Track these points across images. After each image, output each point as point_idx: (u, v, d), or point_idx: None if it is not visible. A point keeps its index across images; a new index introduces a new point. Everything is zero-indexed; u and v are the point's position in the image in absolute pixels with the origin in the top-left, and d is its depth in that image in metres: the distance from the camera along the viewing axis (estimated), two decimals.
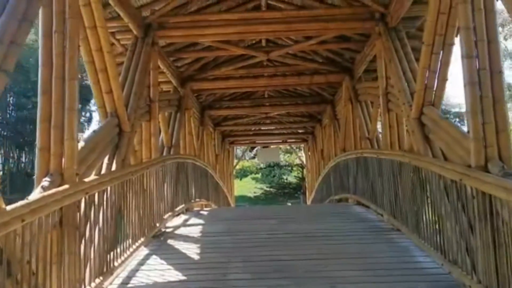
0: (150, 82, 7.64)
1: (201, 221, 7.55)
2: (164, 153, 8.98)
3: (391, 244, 5.42)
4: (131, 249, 4.97)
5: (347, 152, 10.33)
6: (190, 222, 7.49)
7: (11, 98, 27.83)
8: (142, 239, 5.37)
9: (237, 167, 38.70)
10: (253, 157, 39.10)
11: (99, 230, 4.33)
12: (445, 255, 4.24)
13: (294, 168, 41.30)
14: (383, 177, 6.60)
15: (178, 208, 7.52)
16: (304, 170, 36.72)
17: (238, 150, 33.62)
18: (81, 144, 4.83)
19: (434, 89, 5.65)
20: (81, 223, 3.90)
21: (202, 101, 14.04)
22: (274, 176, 40.67)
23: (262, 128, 20.13)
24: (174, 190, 7.41)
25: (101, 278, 4.21)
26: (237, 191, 39.65)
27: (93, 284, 4.08)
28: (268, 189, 41.10)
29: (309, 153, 22.34)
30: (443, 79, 5.54)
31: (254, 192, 40.67)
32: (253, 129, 20.47)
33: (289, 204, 31.88)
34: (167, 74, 9.71)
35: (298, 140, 23.15)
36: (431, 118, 5.56)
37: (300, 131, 20.47)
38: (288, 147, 32.97)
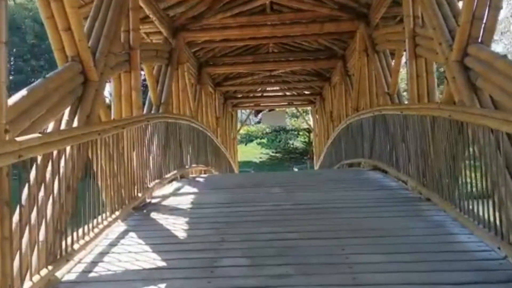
0: (129, 25, 6.39)
1: (194, 190, 6.59)
2: (152, 112, 7.83)
3: (422, 218, 4.34)
4: (100, 226, 3.95)
5: (361, 111, 9.16)
6: (181, 191, 6.47)
7: (9, 62, 26.67)
8: (118, 213, 4.36)
9: (242, 131, 37.88)
10: (258, 122, 38.07)
11: (48, 205, 3.36)
12: (501, 235, 3.09)
13: (301, 133, 40.37)
14: (408, 137, 5.41)
15: (168, 175, 6.51)
16: (311, 135, 35.81)
17: (243, 114, 32.39)
18: (21, 92, 3.67)
19: (484, 21, 4.37)
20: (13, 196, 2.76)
21: (199, 57, 12.75)
22: (280, 141, 39.82)
23: (267, 89, 18.80)
24: (163, 154, 6.28)
25: (50, 267, 3.13)
26: (242, 157, 38.90)
27: (37, 276, 3.00)
28: (274, 154, 40.37)
29: (317, 116, 21.08)
30: (496, 7, 4.25)
31: (260, 158, 39.95)
32: (258, 89, 19.18)
33: (296, 169, 30.94)
34: (155, 22, 8.40)
35: (305, 102, 21.83)
36: (480, 59, 4.31)
37: (307, 92, 19.10)
38: (295, 111, 31.73)
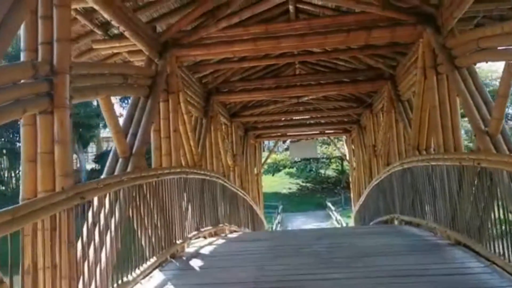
0: (52, 32, 3.72)
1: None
2: (118, 168, 5.13)
3: None
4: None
5: (434, 155, 6.34)
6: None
7: None
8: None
9: (269, 160, 35.27)
10: (287, 149, 35.23)
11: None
12: None
13: (333, 161, 37.28)
14: None
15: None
16: (344, 163, 32.69)
17: (270, 142, 29.51)
18: None
19: None
20: None
21: (207, 83, 10.10)
22: (310, 170, 36.89)
23: (294, 118, 15.95)
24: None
25: None
26: (270, 188, 36.01)
27: None
28: (304, 184, 37.47)
29: (353, 146, 18.05)
30: None
31: (289, 188, 37.06)
32: (282, 118, 16.37)
33: (330, 204, 27.71)
34: (125, 34, 5.79)
35: (339, 131, 18.82)
36: None
37: (343, 119, 16.13)
38: (326, 138, 28.74)
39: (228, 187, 8.91)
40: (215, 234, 7.85)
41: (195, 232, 6.17)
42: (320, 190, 36.07)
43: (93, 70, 4.59)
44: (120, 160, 5.22)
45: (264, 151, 28.54)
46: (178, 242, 5.31)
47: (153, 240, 4.62)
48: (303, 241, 6.33)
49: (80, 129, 28.92)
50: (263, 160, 20.31)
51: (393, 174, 8.56)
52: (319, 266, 4.65)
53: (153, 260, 4.46)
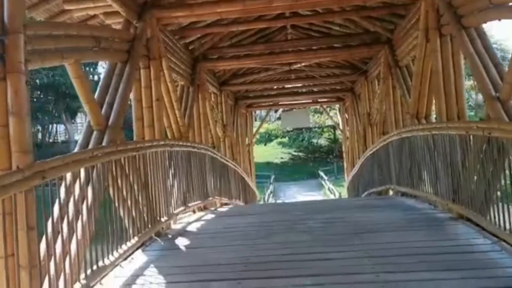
0: None
1: None
2: (92, 142, 4.65)
3: None
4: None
5: (429, 124, 5.99)
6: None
7: None
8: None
9: (261, 130, 34.84)
10: (279, 118, 34.77)
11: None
12: None
13: (325, 129, 36.91)
14: None
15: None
16: (337, 131, 32.35)
17: (262, 111, 28.98)
18: None
19: None
20: None
21: (193, 49, 9.50)
22: (302, 140, 36.55)
23: (286, 86, 15.39)
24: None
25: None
26: (262, 158, 35.71)
27: None
28: (296, 153, 37.22)
29: (347, 115, 17.60)
30: None
31: (281, 158, 36.82)
32: (274, 87, 15.83)
33: (322, 174, 27.48)
34: None
35: (333, 99, 18.31)
36: None
37: (336, 87, 15.59)
38: (318, 107, 28.27)
39: (217, 159, 8.50)
40: (205, 208, 7.55)
41: (182, 208, 5.81)
42: (313, 160, 35.86)
43: (57, 30, 4.02)
44: (94, 133, 4.73)
45: (256, 120, 28.03)
46: (163, 219, 4.96)
47: (135, 218, 4.28)
48: (296, 216, 5.95)
49: (67, 99, 28.21)
50: (254, 130, 19.76)
51: (390, 143, 8.20)
52: (314, 244, 4.29)
53: (134, 240, 4.10)
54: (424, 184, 6.04)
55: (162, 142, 5.49)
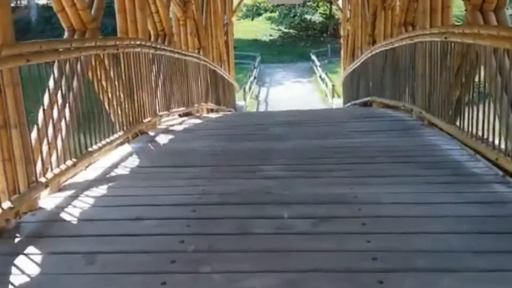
0: None
1: None
2: None
3: None
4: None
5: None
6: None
7: None
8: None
9: (247, 1, 30.85)
10: None
11: None
12: None
13: (320, 4, 32.84)
14: None
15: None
16: (334, 7, 28.51)
17: None
18: None
19: None
20: None
21: None
22: (294, 16, 32.56)
23: None
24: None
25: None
26: (248, 34, 32.13)
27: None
28: (286, 30, 33.52)
29: None
30: None
31: (270, 35, 33.22)
32: None
33: (314, 58, 24.46)
34: None
35: None
36: None
37: None
38: None
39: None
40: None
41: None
42: (304, 38, 32.43)
43: None
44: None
45: None
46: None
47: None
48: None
49: None
50: (235, 5, 16.04)
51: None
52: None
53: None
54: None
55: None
